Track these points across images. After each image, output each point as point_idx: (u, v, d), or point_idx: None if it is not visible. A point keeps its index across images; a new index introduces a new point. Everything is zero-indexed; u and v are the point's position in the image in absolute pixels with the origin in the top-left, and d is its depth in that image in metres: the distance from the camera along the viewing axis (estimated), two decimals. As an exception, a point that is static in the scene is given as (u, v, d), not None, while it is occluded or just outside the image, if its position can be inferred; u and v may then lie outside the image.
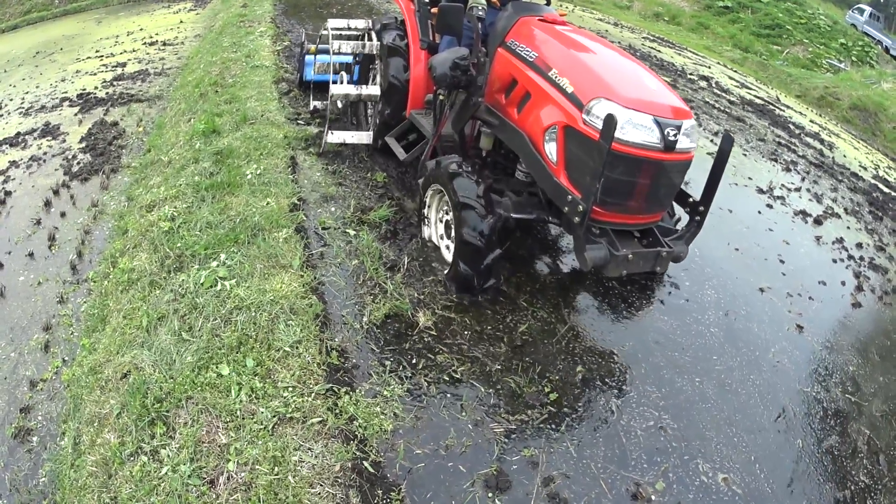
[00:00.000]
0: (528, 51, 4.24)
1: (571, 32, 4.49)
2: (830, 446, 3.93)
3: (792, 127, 11.05)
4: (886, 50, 27.83)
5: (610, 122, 3.44)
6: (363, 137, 6.25)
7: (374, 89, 6.02)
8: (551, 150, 4.01)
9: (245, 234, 4.66)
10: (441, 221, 4.74)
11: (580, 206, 3.71)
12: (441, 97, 4.80)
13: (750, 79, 15.39)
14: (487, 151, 4.89)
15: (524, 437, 3.48)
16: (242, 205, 5.07)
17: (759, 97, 12.77)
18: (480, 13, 4.62)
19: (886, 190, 9.40)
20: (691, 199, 4.20)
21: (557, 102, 3.93)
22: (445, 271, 4.51)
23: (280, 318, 3.91)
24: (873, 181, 9.62)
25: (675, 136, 3.66)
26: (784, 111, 12.28)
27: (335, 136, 6.19)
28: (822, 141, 10.86)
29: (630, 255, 3.82)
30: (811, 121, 12.59)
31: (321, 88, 7.11)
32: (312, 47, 7.30)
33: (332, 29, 6.50)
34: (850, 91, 16.29)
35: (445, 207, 4.61)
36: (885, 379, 4.72)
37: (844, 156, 10.48)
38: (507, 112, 4.42)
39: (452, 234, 4.42)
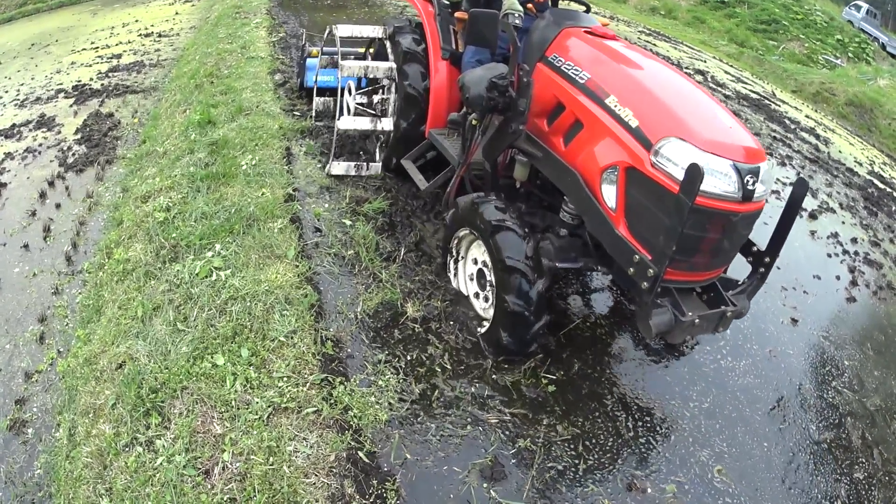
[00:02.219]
0: (576, 70, 3.66)
1: (626, 49, 3.87)
2: (827, 440, 3.95)
3: (787, 122, 11.05)
4: (883, 47, 27.83)
5: (695, 174, 2.85)
6: (371, 169, 5.63)
7: (387, 123, 5.39)
8: (610, 194, 3.40)
9: (240, 225, 4.66)
10: (474, 262, 4.16)
11: (650, 270, 3.14)
12: (474, 122, 4.09)
13: (746, 73, 15.38)
14: (521, 182, 4.29)
15: (520, 429, 3.49)
16: (237, 195, 5.06)
17: (754, 92, 12.77)
18: (517, 21, 3.97)
19: (882, 186, 9.41)
20: (755, 249, 3.61)
21: (619, 138, 3.33)
22: (481, 330, 3.99)
23: (275, 308, 3.91)
24: (868, 177, 9.62)
25: (753, 184, 3.10)
26: (780, 106, 12.27)
27: (339, 167, 5.60)
28: (817, 136, 10.86)
29: (696, 320, 3.30)
30: (807, 116, 12.59)
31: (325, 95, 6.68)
32: (314, 50, 7.02)
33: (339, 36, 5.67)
34: (846, 87, 16.26)
35: (479, 254, 4.08)
36: (880, 373, 4.74)
37: (840, 151, 10.48)
38: (550, 142, 3.82)
39: (487, 284, 3.97)
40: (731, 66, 15.88)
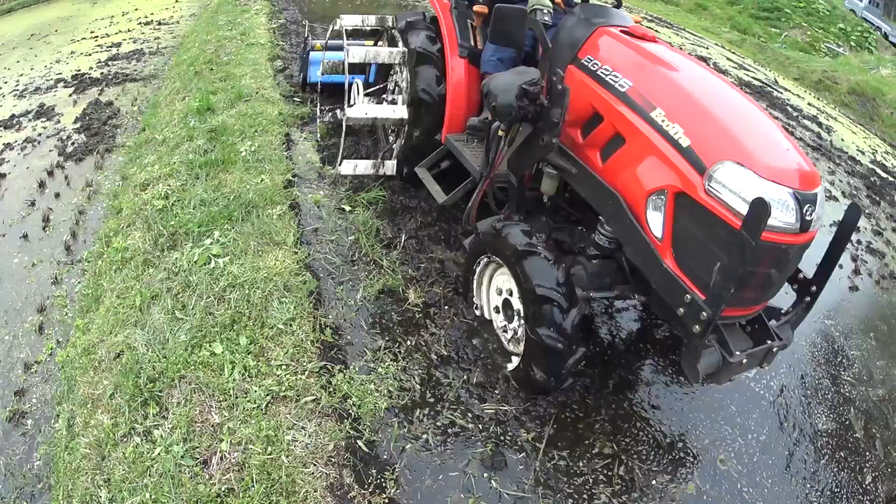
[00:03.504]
0: (615, 76, 3.25)
1: (670, 55, 3.45)
2: (828, 430, 3.94)
3: (790, 109, 10.98)
4: (885, 36, 27.68)
5: (760, 211, 2.50)
6: (386, 168, 5.18)
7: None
8: (656, 221, 3.03)
9: (239, 212, 4.64)
10: (498, 294, 3.78)
11: (704, 313, 2.78)
12: (500, 132, 3.64)
13: (748, 60, 15.28)
14: (549, 196, 3.88)
15: (525, 418, 3.47)
16: (236, 182, 5.03)
17: (756, 79, 12.68)
18: (547, 19, 3.55)
19: (884, 175, 9.35)
20: (802, 276, 3.31)
21: (667, 158, 2.95)
22: (508, 367, 3.65)
23: (274, 296, 3.89)
24: (871, 165, 9.57)
25: (811, 213, 2.79)
26: (782, 93, 12.19)
27: (347, 166, 5.15)
28: (819, 124, 10.79)
29: (744, 360, 3.03)
30: (809, 104, 12.50)
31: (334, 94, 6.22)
32: (318, 44, 6.74)
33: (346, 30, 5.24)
34: (849, 76, 16.16)
35: (503, 280, 3.71)
36: (882, 363, 4.71)
37: (842, 139, 10.41)
38: (585, 156, 3.43)
39: (514, 315, 3.62)
40: (734, 52, 15.79)
